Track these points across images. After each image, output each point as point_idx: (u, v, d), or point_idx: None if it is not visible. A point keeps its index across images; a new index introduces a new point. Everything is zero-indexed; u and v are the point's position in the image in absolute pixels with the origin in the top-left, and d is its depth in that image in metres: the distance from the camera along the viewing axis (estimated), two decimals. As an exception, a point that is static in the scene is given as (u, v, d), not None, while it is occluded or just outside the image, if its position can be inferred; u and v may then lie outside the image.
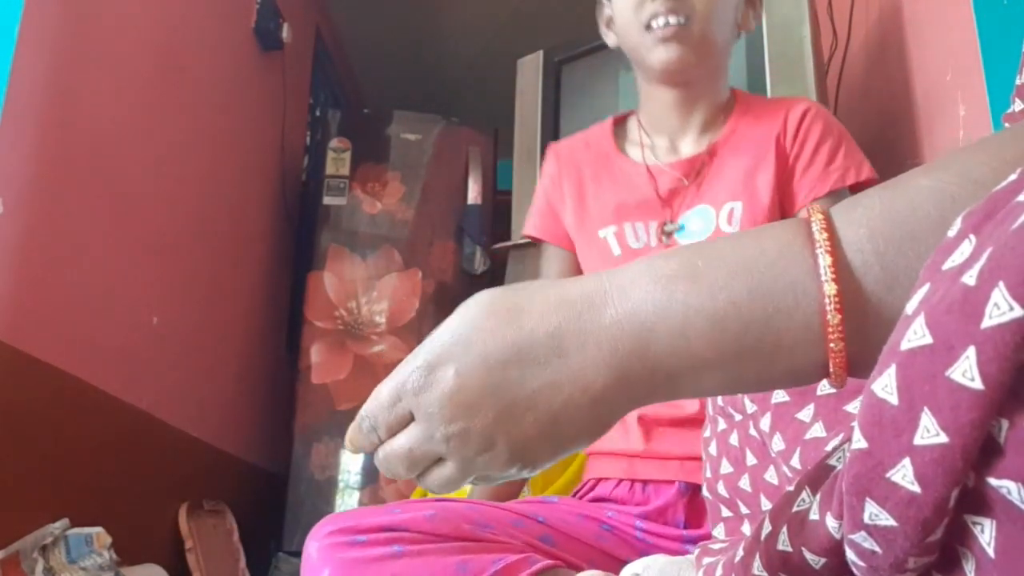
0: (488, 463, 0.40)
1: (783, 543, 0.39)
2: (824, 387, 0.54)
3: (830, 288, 0.34)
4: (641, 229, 1.05)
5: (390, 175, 2.82)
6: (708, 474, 0.65)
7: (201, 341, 2.26)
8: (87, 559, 1.51)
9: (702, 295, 0.37)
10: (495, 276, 2.79)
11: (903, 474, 0.27)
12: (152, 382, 1.96)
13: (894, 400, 0.28)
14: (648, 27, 0.99)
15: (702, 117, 1.07)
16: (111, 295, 1.80)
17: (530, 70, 2.00)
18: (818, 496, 0.38)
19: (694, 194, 1.04)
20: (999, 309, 0.25)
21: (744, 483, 0.58)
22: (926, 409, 0.26)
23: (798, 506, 0.39)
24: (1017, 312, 0.24)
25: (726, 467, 0.61)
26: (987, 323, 0.25)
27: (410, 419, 0.42)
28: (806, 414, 0.54)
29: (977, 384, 0.25)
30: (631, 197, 1.06)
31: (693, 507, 0.93)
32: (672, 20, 0.98)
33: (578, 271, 1.12)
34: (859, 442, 0.29)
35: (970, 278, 0.26)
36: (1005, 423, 0.25)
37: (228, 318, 2.50)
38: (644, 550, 0.90)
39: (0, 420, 1.43)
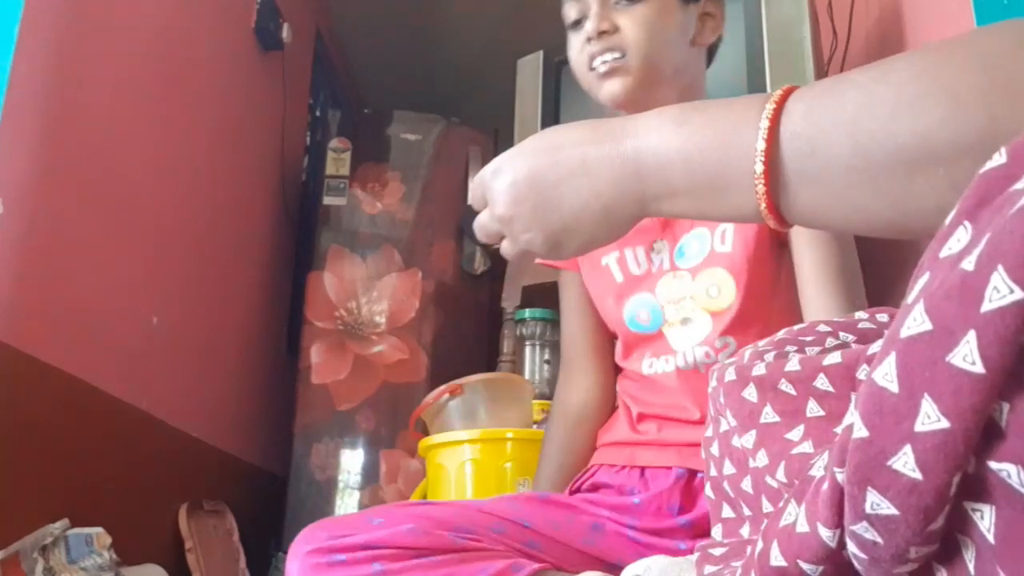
0: (529, 243, 0.57)
1: (776, 558, 0.39)
2: (813, 409, 0.54)
3: (761, 145, 0.46)
4: (641, 254, 1.08)
5: (390, 175, 2.82)
6: (713, 472, 0.65)
7: (201, 341, 2.26)
8: (87, 559, 1.51)
9: (683, 139, 0.50)
10: (495, 276, 2.79)
11: (904, 461, 0.27)
12: (152, 382, 1.96)
13: (894, 388, 0.28)
14: (592, 68, 1.02)
15: None
16: (111, 295, 1.80)
17: (530, 70, 2.00)
18: (802, 507, 0.38)
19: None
20: (999, 292, 0.25)
21: (746, 484, 0.58)
22: (927, 395, 0.26)
23: (785, 520, 0.39)
24: (1017, 295, 0.24)
25: (729, 468, 0.60)
26: (987, 307, 0.25)
27: (485, 200, 0.60)
28: (795, 434, 0.54)
29: (978, 368, 0.25)
30: None
31: (688, 492, 0.96)
32: (608, 57, 1.00)
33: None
34: (860, 431, 0.29)
35: (969, 263, 0.26)
36: (1006, 406, 0.25)
37: (228, 318, 2.50)
38: (637, 550, 0.91)
39: (0, 420, 1.43)
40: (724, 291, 1.00)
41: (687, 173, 0.50)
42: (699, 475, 0.94)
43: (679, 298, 1.03)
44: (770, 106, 0.46)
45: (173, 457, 2.07)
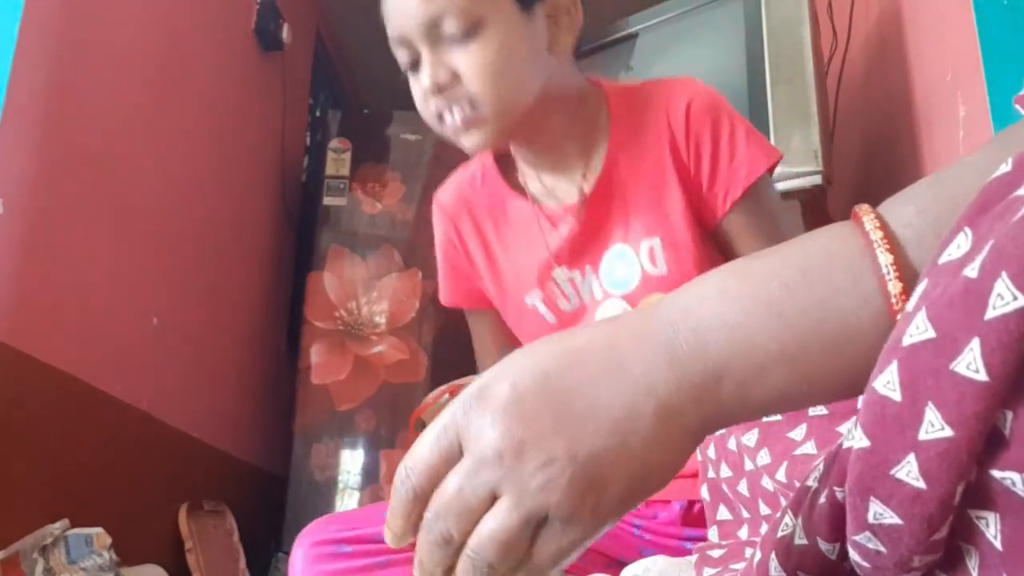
0: (548, 487, 0.35)
1: (775, 570, 0.39)
2: (815, 408, 0.53)
3: (885, 258, 0.33)
4: (567, 285, 0.96)
5: (390, 175, 2.82)
6: (711, 474, 0.65)
7: (201, 341, 2.26)
8: (87, 559, 1.51)
9: (756, 285, 0.35)
10: (495, 276, 2.79)
11: (908, 470, 0.27)
12: (152, 382, 1.96)
13: (897, 396, 0.27)
14: (442, 122, 0.89)
15: (576, 142, 0.95)
16: (111, 295, 1.80)
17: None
18: (799, 520, 0.38)
19: (607, 232, 0.94)
20: (1003, 299, 0.25)
21: (743, 487, 0.58)
22: (930, 404, 0.26)
23: (782, 531, 0.39)
24: (1021, 302, 0.24)
25: (725, 471, 0.61)
26: (991, 314, 0.25)
27: (457, 455, 0.37)
28: (798, 433, 0.54)
29: (982, 376, 0.25)
30: (542, 251, 0.96)
31: (690, 520, 0.91)
32: (456, 112, 0.86)
33: (512, 332, 1.03)
34: (861, 441, 0.29)
35: (972, 271, 0.26)
36: (1010, 414, 0.25)
37: (228, 318, 2.50)
38: (642, 547, 0.89)
39: (0, 420, 1.43)
40: None
41: (777, 324, 0.34)
42: (698, 504, 0.87)
43: None
44: (867, 215, 0.35)
45: (173, 457, 2.07)
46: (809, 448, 0.52)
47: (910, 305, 0.29)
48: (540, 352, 0.38)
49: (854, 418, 0.31)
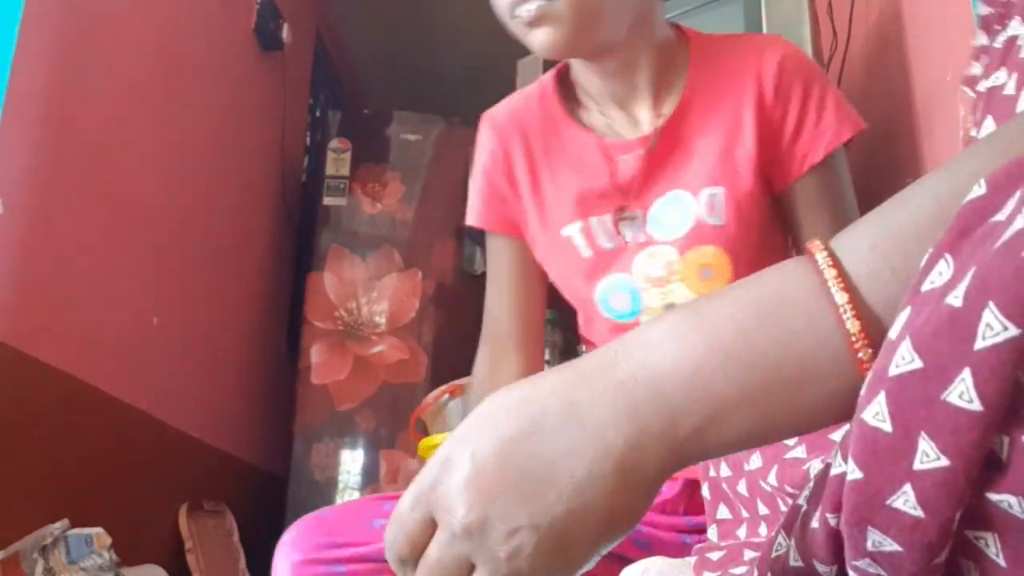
0: (517, 556, 0.36)
1: None
2: None
3: (841, 297, 0.33)
4: (609, 223, 0.91)
5: (390, 175, 2.82)
6: (712, 472, 0.65)
7: (201, 341, 2.27)
8: (87, 559, 1.51)
9: (711, 331, 0.35)
10: (495, 276, 2.79)
11: (904, 500, 0.27)
12: (152, 382, 1.96)
13: (887, 427, 0.27)
14: (514, 15, 0.84)
15: (648, 77, 0.91)
16: (111, 295, 1.80)
17: (530, 70, 2.00)
18: (792, 541, 0.38)
19: (665, 175, 0.89)
20: (992, 330, 0.25)
21: (742, 487, 0.58)
22: (923, 434, 0.26)
23: (776, 551, 0.39)
24: (1012, 332, 0.24)
25: (725, 470, 0.61)
26: (981, 344, 0.25)
27: (432, 523, 0.38)
28: (790, 439, 0.54)
29: (976, 406, 0.25)
30: (593, 183, 0.91)
31: (693, 501, 0.91)
32: (533, 5, 0.81)
33: (536, 266, 0.99)
34: (854, 473, 0.29)
35: (955, 299, 0.26)
36: (1006, 439, 0.25)
37: (228, 318, 2.50)
38: (641, 541, 0.88)
39: (0, 420, 1.43)
40: (720, 275, 0.85)
41: (735, 370, 0.34)
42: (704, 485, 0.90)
43: (663, 278, 0.88)
44: (820, 252, 0.35)
45: (173, 457, 2.07)
46: (799, 452, 0.53)
47: (893, 333, 0.29)
48: (497, 413, 0.38)
49: (846, 426, 0.31)
